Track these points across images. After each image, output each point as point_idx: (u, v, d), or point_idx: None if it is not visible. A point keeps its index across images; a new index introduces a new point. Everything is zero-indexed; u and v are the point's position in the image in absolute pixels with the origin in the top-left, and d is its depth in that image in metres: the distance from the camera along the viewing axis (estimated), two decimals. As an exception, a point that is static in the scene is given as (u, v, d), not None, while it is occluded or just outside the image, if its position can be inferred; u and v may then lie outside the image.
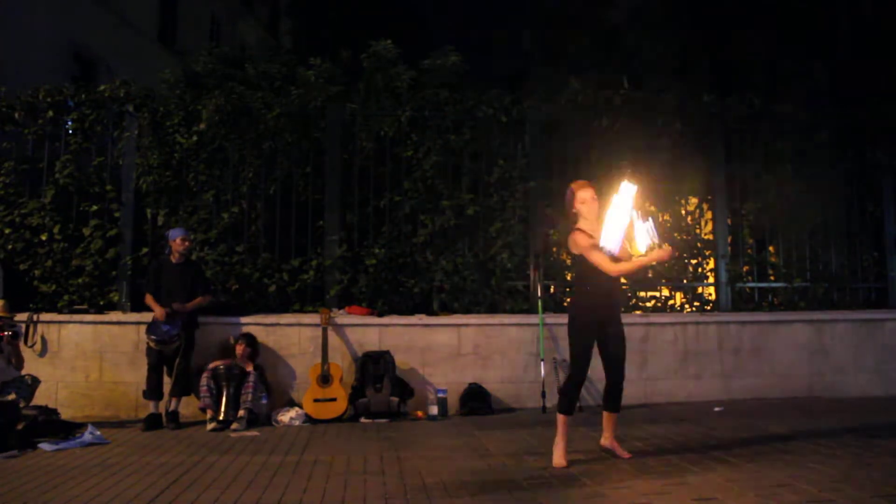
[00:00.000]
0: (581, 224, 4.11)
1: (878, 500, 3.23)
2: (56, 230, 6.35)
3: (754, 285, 7.08)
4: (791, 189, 7.11)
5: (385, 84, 6.95)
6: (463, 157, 6.74)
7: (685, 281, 7.00)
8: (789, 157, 7.19)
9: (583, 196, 4.10)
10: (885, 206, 7.32)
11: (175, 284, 5.79)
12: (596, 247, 3.91)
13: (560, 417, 4.08)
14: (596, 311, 4.08)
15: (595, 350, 4.14)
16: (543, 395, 6.08)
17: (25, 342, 5.89)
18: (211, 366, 5.70)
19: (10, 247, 6.32)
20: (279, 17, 22.12)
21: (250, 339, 5.91)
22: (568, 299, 6.56)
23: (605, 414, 4.29)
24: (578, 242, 4.03)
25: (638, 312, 6.79)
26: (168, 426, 5.52)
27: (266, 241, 6.56)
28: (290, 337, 6.18)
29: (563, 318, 6.37)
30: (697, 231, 7.12)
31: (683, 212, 7.15)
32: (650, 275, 6.88)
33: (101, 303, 6.31)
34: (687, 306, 7.04)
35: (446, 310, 6.49)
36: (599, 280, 4.02)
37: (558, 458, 4.03)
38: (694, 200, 7.18)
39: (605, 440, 4.31)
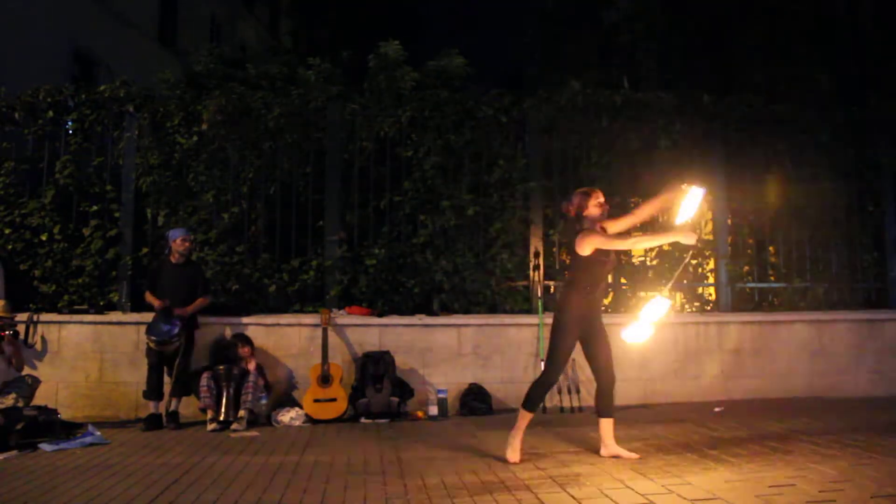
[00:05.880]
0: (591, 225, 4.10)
1: (878, 501, 3.24)
2: (56, 230, 6.35)
3: (754, 285, 7.08)
4: (791, 189, 7.12)
5: (388, 85, 6.95)
6: (463, 157, 6.74)
7: (685, 281, 7.00)
8: (789, 157, 7.19)
9: (600, 199, 4.14)
10: (885, 206, 7.31)
11: (175, 285, 5.79)
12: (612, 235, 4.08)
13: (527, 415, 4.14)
14: (585, 311, 4.14)
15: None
16: (543, 395, 6.08)
17: (25, 342, 5.89)
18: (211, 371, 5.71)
19: (10, 247, 6.32)
20: (279, 17, 22.14)
21: (248, 340, 5.90)
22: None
23: (601, 421, 4.24)
24: (594, 238, 4.00)
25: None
26: (168, 426, 5.53)
27: (266, 241, 6.56)
28: (291, 337, 6.18)
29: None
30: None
31: (684, 212, 7.14)
32: (650, 275, 6.88)
33: (101, 303, 6.30)
34: (687, 306, 7.04)
35: (446, 310, 6.48)
36: (599, 280, 4.15)
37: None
38: (694, 200, 7.17)
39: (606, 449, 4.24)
